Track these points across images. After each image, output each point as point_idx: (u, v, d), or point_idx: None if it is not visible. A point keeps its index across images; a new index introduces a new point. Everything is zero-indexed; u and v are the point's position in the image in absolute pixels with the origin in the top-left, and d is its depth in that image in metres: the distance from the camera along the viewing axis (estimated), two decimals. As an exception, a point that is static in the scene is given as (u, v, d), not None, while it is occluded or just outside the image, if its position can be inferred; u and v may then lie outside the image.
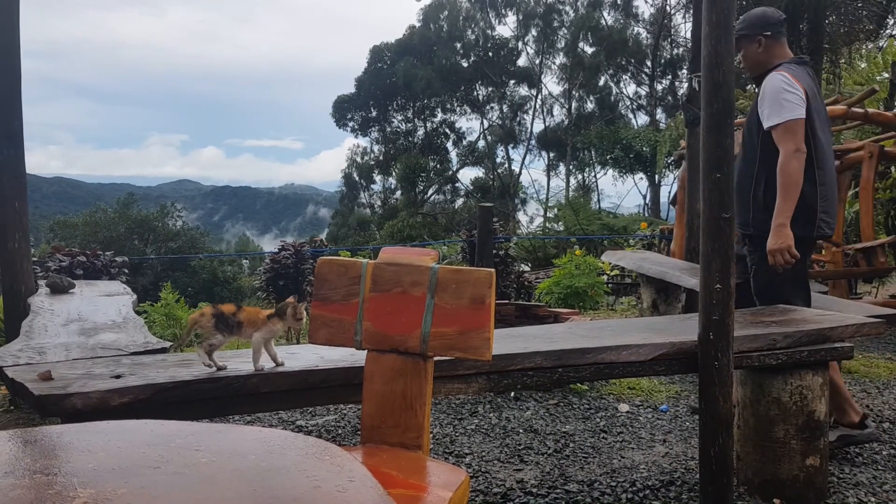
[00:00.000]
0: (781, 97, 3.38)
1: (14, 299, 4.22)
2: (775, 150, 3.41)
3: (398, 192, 40.68)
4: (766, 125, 3.45)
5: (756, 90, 3.77)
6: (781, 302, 3.53)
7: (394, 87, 40.36)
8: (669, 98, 36.93)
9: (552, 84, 67.89)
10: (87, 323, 3.30)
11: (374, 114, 42.03)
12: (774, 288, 3.56)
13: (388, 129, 42.82)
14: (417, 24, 41.08)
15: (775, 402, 2.94)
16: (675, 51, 36.99)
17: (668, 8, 35.72)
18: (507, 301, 6.30)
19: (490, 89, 41.62)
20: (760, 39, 3.64)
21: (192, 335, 2.40)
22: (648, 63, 38.46)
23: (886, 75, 12.73)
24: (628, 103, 40.85)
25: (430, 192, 40.64)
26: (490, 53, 40.25)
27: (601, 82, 39.82)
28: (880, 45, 14.43)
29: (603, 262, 9.43)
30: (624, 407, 4.36)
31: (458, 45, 40.34)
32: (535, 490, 3.08)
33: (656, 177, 33.96)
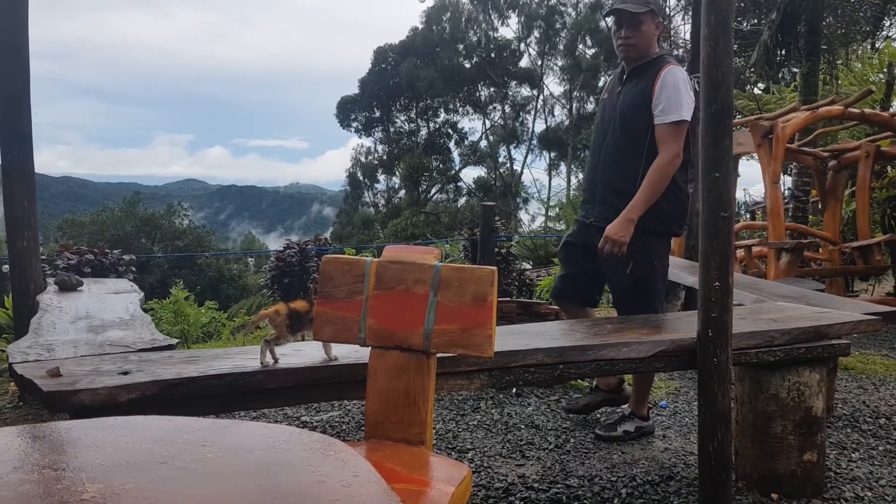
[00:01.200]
0: (683, 95, 3.27)
1: (23, 297, 4.24)
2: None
3: (401, 192, 40.64)
4: (661, 120, 3.29)
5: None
6: (648, 300, 3.48)
7: (397, 88, 40.34)
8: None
9: (553, 85, 67.84)
10: (95, 320, 3.32)
11: (377, 114, 42.01)
12: (644, 285, 3.47)
13: (392, 130, 42.80)
14: (420, 26, 41.07)
15: (773, 398, 2.96)
16: (675, 52, 36.87)
17: (667, 9, 35.61)
18: (508, 299, 6.32)
19: (492, 90, 41.58)
20: (659, 22, 3.49)
21: (253, 329, 2.38)
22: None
23: (882, 76, 12.75)
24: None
25: (433, 191, 40.61)
26: (492, 55, 40.21)
27: (601, 83, 39.69)
28: (877, 45, 14.45)
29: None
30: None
31: (461, 47, 40.29)
32: (536, 485, 3.11)
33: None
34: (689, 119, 3.27)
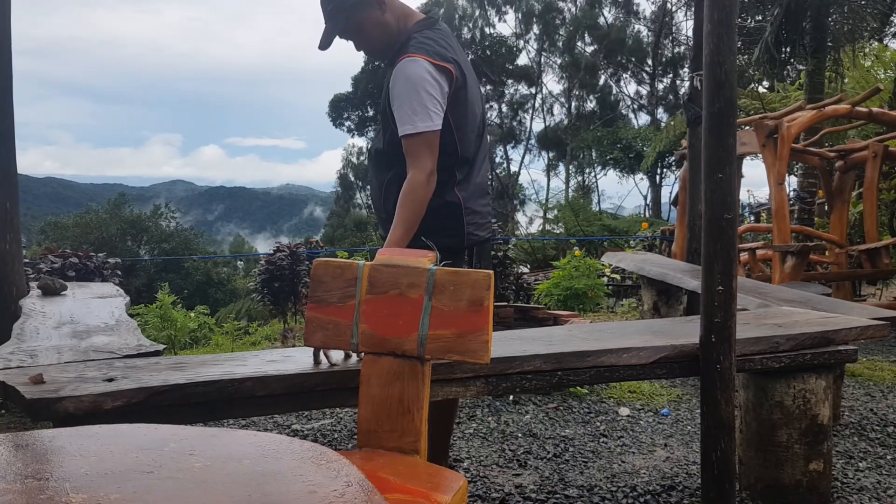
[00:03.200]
0: (421, 97, 2.51)
1: (5, 301, 4.18)
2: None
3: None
4: (400, 131, 2.55)
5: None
6: None
7: (391, 86, 40.33)
8: (671, 97, 36.91)
9: (552, 83, 68.00)
10: (80, 325, 3.26)
11: (370, 113, 42.02)
12: None
13: (385, 129, 42.79)
14: (415, 24, 41.06)
15: (778, 405, 2.91)
16: (677, 49, 36.98)
17: (669, 5, 35.72)
18: (505, 303, 6.28)
19: (489, 88, 41.61)
20: (381, 1, 2.64)
21: None
22: (649, 62, 38.46)
23: (885, 74, 12.73)
24: (629, 103, 40.89)
25: (429, 192, 40.65)
26: (489, 52, 40.21)
27: (601, 81, 39.82)
28: (885, 42, 14.45)
29: (603, 264, 9.41)
30: (624, 411, 4.33)
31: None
32: (533, 495, 3.05)
33: (656, 177, 33.98)
34: (436, 128, 2.53)
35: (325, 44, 2.73)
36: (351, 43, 2.75)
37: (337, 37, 2.71)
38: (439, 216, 2.62)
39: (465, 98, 2.65)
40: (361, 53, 2.82)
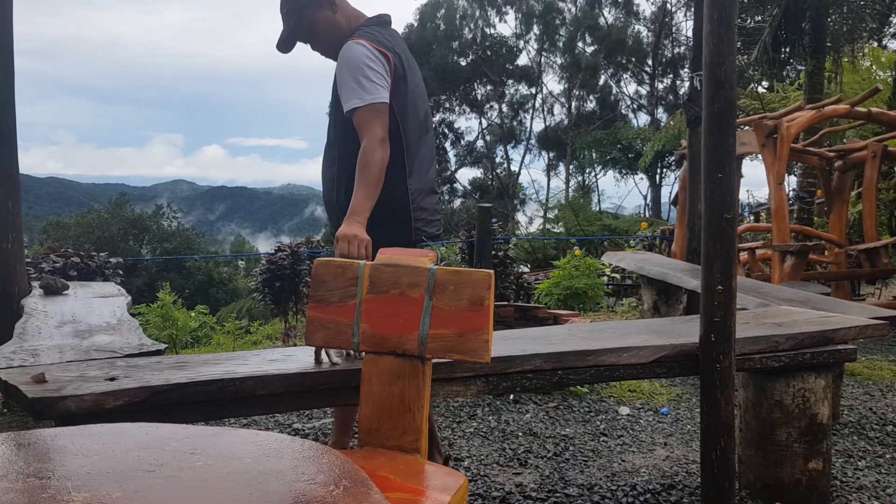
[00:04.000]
0: (363, 72, 2.62)
1: (7, 301, 4.18)
2: (357, 142, 2.66)
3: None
4: (345, 109, 2.67)
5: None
6: None
7: (391, 87, 40.23)
8: (670, 97, 36.87)
9: (553, 83, 67.91)
10: (82, 325, 3.27)
11: (371, 113, 41.92)
12: None
13: (386, 129, 42.69)
14: (415, 24, 41.02)
15: (777, 404, 2.91)
16: (677, 49, 36.94)
17: (669, 6, 35.68)
18: (506, 303, 6.28)
19: (489, 88, 41.54)
20: (330, 0, 2.81)
21: None
22: (649, 62, 38.42)
23: (884, 75, 12.73)
24: (629, 103, 40.85)
25: (429, 192, 40.58)
26: (489, 52, 40.16)
27: (601, 81, 39.75)
28: (884, 42, 14.44)
29: (603, 264, 9.42)
30: (624, 410, 4.33)
31: (455, 44, 40.22)
32: (534, 494, 3.06)
33: (656, 177, 33.95)
34: (382, 99, 2.63)
35: (282, 44, 2.86)
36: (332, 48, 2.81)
37: (297, 40, 2.86)
38: (387, 209, 2.68)
39: (405, 91, 2.75)
40: None
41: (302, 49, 2.95)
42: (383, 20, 2.87)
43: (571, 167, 38.75)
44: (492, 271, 2.05)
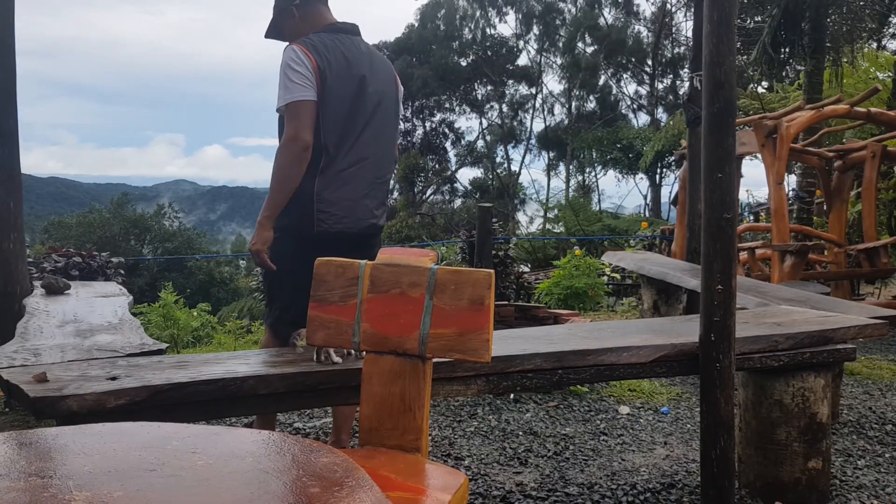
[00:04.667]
0: (287, 75, 2.83)
1: (9, 300, 4.18)
2: None
3: (396, 193, 40.65)
4: (276, 107, 2.93)
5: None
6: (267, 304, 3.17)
7: (392, 87, 40.20)
8: (670, 97, 36.87)
9: (553, 83, 67.89)
10: (83, 324, 3.27)
11: (372, 113, 41.90)
12: (268, 291, 3.17)
13: (387, 129, 42.65)
14: (415, 24, 41.02)
15: (777, 404, 2.92)
16: (676, 49, 36.94)
17: (668, 6, 35.68)
18: (506, 302, 6.28)
19: (489, 88, 41.53)
20: (292, 10, 3.05)
21: None
22: (649, 62, 38.42)
23: (883, 76, 12.73)
24: (629, 103, 40.84)
25: (429, 192, 40.55)
26: (489, 52, 40.17)
27: (601, 81, 39.75)
28: (883, 43, 14.43)
29: (603, 263, 9.42)
30: (624, 409, 4.34)
31: (456, 44, 40.22)
32: (534, 493, 3.06)
33: (656, 177, 33.94)
34: (301, 98, 2.81)
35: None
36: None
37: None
38: (295, 199, 2.86)
39: (324, 96, 2.86)
40: None
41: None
42: (336, 27, 3.03)
43: (571, 167, 38.74)
44: (492, 271, 2.05)
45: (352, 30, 3.06)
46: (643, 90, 40.12)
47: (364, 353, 2.11)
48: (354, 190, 2.97)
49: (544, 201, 36.18)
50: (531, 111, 41.28)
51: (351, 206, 2.95)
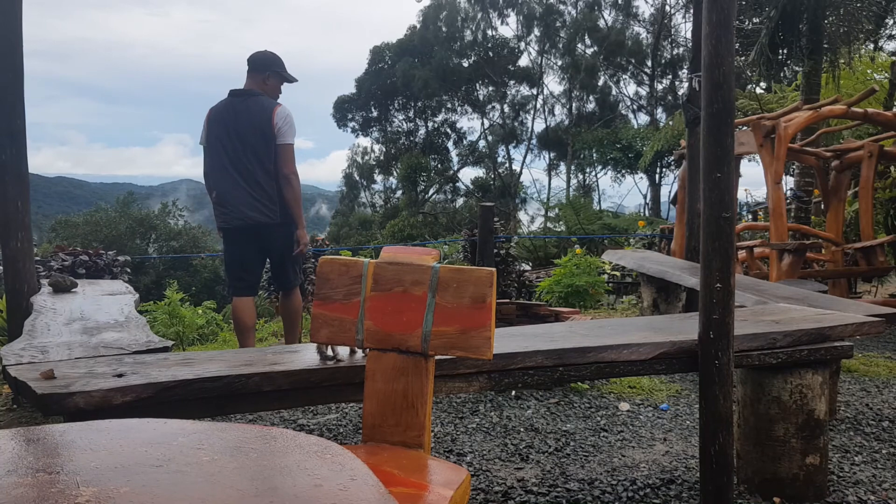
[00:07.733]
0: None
1: (17, 298, 4.21)
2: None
3: (399, 192, 40.59)
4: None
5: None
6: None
7: (394, 88, 40.23)
8: (669, 98, 36.83)
9: (553, 84, 67.78)
10: (90, 322, 3.30)
11: (374, 114, 41.87)
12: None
13: (389, 129, 42.63)
14: (418, 25, 40.99)
15: (775, 400, 2.94)
16: (676, 50, 36.90)
17: (668, 7, 35.66)
18: (507, 300, 6.30)
19: (491, 89, 41.51)
20: (267, 76, 4.82)
21: None
22: (648, 63, 38.38)
23: (879, 77, 12.75)
24: (629, 103, 40.80)
25: (431, 191, 40.51)
26: (490, 53, 40.14)
27: (601, 82, 39.69)
28: (880, 44, 14.43)
29: (604, 262, 9.44)
30: (624, 406, 4.36)
31: (457, 46, 40.19)
32: (535, 488, 3.09)
33: (656, 176, 33.92)
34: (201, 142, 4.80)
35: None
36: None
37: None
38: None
39: (204, 143, 4.75)
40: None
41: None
42: (231, 92, 4.72)
43: (572, 167, 38.70)
44: (494, 269, 2.07)
45: (239, 92, 4.70)
46: (643, 91, 40.09)
47: (367, 350, 2.14)
48: (227, 199, 4.63)
49: (545, 201, 36.09)
50: (532, 112, 41.25)
51: (222, 211, 4.65)
